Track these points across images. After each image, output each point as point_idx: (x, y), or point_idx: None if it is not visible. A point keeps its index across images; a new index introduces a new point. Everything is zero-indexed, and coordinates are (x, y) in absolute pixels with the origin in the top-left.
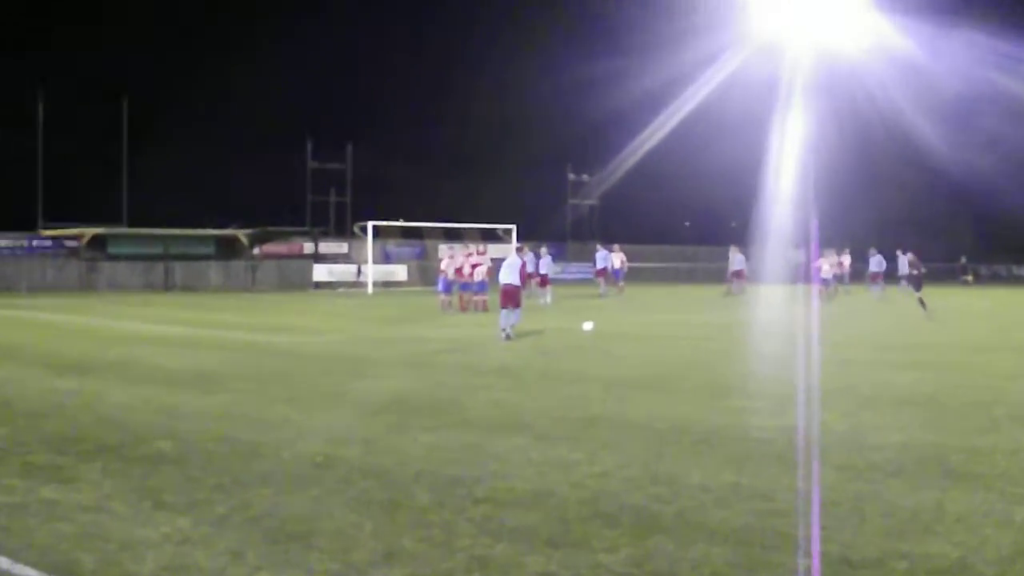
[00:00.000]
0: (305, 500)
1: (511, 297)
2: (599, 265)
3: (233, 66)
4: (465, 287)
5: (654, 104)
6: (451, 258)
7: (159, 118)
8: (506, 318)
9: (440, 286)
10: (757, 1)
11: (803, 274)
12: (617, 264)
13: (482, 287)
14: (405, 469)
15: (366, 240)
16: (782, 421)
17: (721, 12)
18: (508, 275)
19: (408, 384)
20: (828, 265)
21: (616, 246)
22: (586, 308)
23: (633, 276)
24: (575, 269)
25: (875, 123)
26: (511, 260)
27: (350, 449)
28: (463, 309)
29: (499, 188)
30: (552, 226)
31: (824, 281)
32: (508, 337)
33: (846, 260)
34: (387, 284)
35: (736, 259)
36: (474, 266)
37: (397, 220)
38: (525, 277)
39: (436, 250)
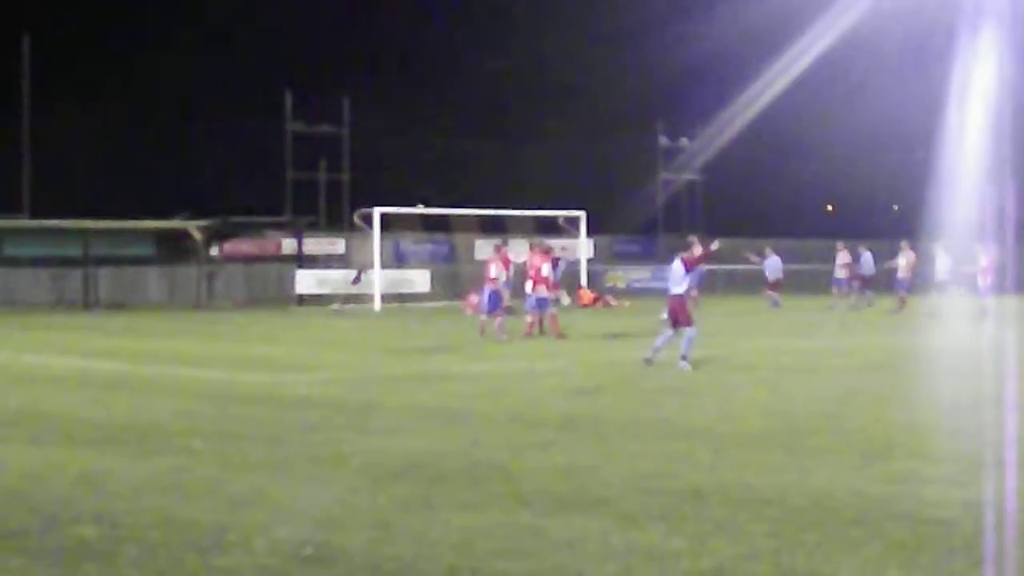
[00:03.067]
0: None
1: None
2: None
3: None
4: (541, 304)
5: (779, 38)
6: (500, 260)
7: (74, 67)
8: (686, 342)
9: (487, 303)
10: None
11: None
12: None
13: (543, 304)
14: (433, 564)
15: (370, 235)
16: (968, 493)
17: None
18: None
19: (433, 443)
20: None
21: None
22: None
23: (750, 284)
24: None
25: None
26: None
27: (353, 535)
28: (529, 332)
29: (558, 160)
30: (635, 212)
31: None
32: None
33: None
34: (401, 297)
35: (771, 263)
36: (537, 272)
37: (415, 206)
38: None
39: (470, 248)
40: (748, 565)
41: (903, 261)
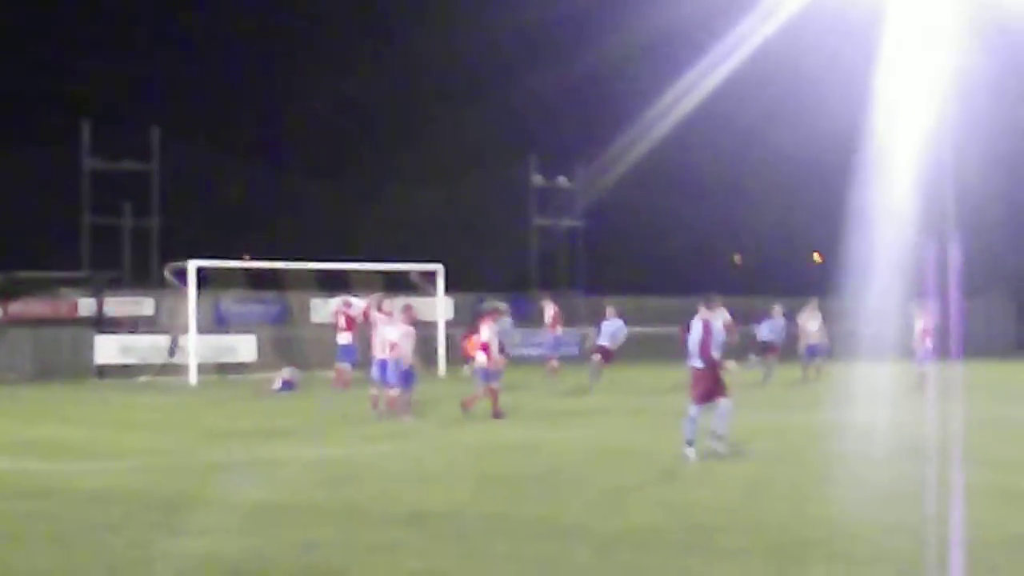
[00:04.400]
0: None
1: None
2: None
3: None
4: (486, 376)
5: (678, 53)
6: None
7: None
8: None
9: (393, 375)
10: None
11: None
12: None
13: (489, 376)
14: None
15: (184, 292)
16: None
17: None
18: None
19: (259, 544)
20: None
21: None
22: (572, 407)
23: (637, 349)
24: (538, 340)
25: None
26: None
27: None
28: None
29: (410, 203)
30: (503, 266)
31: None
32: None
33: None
34: (223, 368)
35: (609, 329)
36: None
37: (240, 257)
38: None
39: (305, 309)
40: None
41: (814, 324)
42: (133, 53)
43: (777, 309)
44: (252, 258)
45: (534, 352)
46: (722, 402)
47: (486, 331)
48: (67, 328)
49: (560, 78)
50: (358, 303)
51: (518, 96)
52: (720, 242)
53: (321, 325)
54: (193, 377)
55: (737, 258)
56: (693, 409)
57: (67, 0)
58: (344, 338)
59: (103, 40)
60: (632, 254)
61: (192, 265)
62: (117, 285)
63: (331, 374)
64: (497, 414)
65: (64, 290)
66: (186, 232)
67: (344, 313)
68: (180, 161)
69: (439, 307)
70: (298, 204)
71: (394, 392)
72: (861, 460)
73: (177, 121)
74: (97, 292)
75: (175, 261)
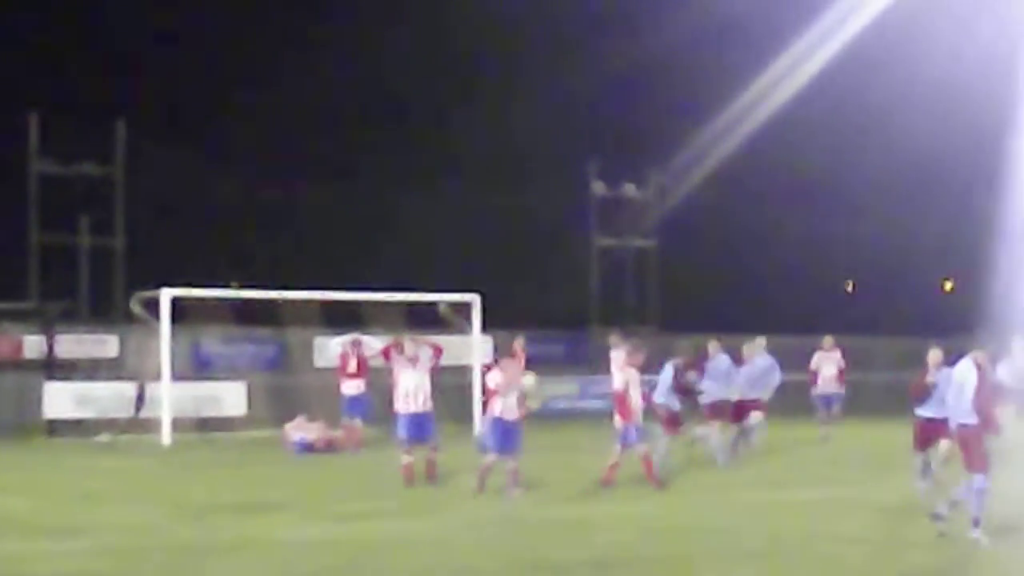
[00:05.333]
0: None
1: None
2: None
3: None
4: (637, 435)
5: (777, 24)
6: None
7: None
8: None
9: (405, 431)
10: None
11: None
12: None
13: (638, 435)
14: None
15: (156, 329)
16: None
17: None
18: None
19: None
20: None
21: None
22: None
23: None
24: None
25: None
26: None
27: None
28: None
29: (439, 217)
30: (556, 297)
31: None
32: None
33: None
34: (203, 424)
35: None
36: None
37: (224, 285)
38: None
39: (307, 350)
40: None
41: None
42: (92, 30)
43: (1020, 345)
44: (241, 286)
45: (596, 405)
46: (977, 478)
47: (620, 376)
48: (9, 374)
49: (627, 57)
50: (371, 343)
51: (574, 81)
52: (828, 265)
53: (326, 370)
54: (167, 435)
55: (848, 285)
56: (979, 479)
57: None
58: (352, 387)
59: (54, 16)
60: (715, 281)
61: (165, 295)
62: (71, 319)
63: (338, 432)
64: (656, 481)
65: (5, 325)
66: (158, 254)
67: (354, 355)
68: (150, 165)
69: (475, 347)
70: (298, 219)
71: (499, 459)
72: None
73: (146, 116)
74: (47, 328)
75: (144, 290)
